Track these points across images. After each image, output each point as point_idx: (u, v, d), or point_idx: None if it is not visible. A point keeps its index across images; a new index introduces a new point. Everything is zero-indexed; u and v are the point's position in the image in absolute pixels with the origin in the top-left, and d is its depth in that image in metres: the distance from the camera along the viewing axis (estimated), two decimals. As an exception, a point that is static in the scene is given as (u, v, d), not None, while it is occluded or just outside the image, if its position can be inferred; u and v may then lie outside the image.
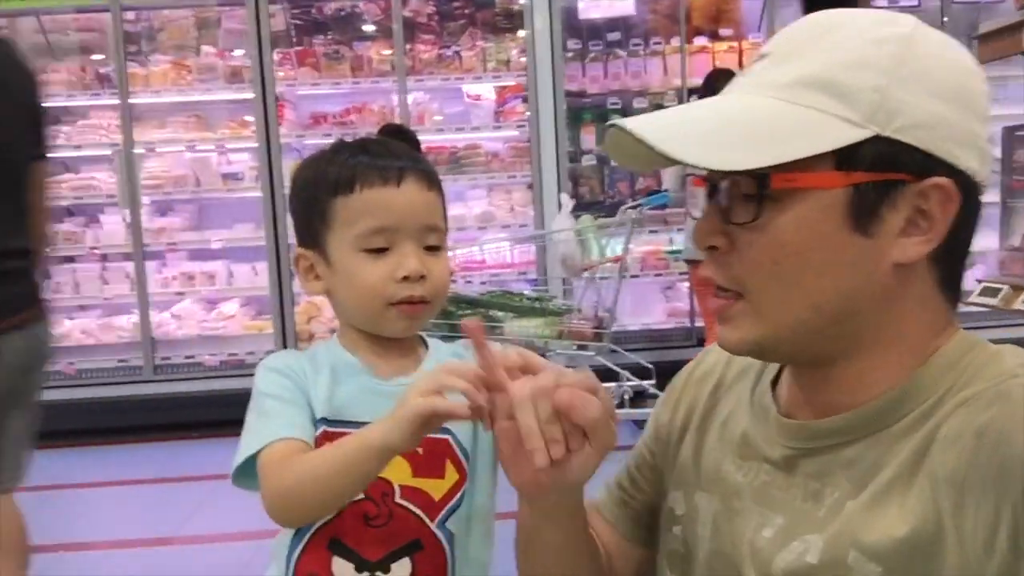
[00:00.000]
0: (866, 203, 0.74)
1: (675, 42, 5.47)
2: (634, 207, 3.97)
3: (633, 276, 5.37)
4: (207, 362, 5.29)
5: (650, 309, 5.62)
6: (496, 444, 0.85)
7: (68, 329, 5.37)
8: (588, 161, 5.50)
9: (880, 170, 0.74)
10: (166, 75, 5.36)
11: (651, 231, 5.37)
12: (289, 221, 1.25)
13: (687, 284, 5.24)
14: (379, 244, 1.05)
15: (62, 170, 5.47)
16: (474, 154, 5.43)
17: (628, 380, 4.16)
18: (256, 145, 5.26)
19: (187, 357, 5.32)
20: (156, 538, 3.69)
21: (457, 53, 5.43)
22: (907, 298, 0.78)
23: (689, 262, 4.53)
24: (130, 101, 5.25)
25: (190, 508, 3.90)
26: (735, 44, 5.50)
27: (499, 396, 0.82)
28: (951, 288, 0.80)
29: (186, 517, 3.82)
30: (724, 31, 5.58)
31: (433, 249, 1.08)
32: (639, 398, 4.28)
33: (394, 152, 1.09)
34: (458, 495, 1.05)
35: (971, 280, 2.76)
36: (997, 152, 2.76)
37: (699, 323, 5.22)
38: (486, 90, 5.54)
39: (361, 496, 1.01)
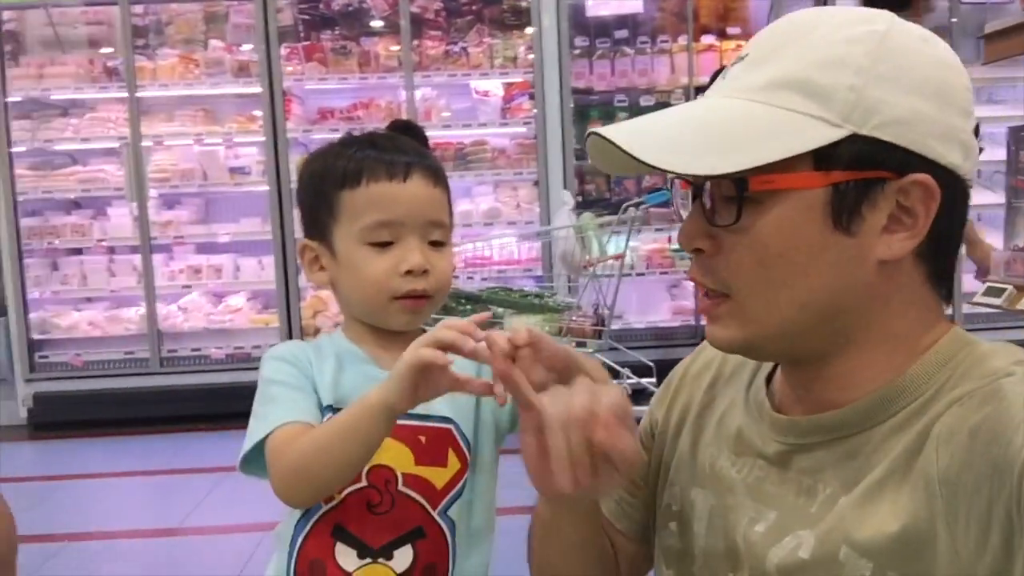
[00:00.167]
0: (847, 202, 0.74)
1: (682, 40, 5.46)
2: (635, 205, 3.96)
3: (639, 274, 5.38)
4: (213, 355, 5.32)
5: (656, 307, 5.62)
6: (522, 453, 0.84)
7: (75, 321, 5.40)
8: (594, 158, 5.49)
9: (859, 169, 0.74)
10: (174, 69, 5.37)
11: (657, 229, 5.37)
12: (296, 216, 1.26)
13: (692, 282, 5.23)
14: (384, 238, 1.06)
15: (70, 162, 5.50)
16: (481, 150, 5.44)
17: (629, 378, 4.16)
18: (263, 139, 5.27)
19: (193, 350, 5.35)
20: (162, 529, 3.71)
21: (464, 49, 5.43)
22: (895, 295, 0.78)
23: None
24: (138, 94, 5.27)
25: (196, 499, 3.92)
26: (743, 43, 5.47)
27: (527, 413, 0.80)
28: (940, 283, 0.80)
29: (192, 508, 3.84)
30: (732, 29, 5.58)
31: (437, 244, 1.09)
32: (638, 396, 4.28)
33: (402, 147, 1.10)
34: (460, 484, 1.06)
35: (972, 281, 2.76)
36: (1002, 153, 2.75)
37: (704, 321, 5.21)
38: (493, 86, 5.54)
39: (364, 483, 1.02)
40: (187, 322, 5.41)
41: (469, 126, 5.44)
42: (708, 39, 5.53)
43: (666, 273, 5.52)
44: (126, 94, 5.25)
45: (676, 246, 5.46)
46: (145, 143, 5.29)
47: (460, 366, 0.90)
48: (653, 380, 4.23)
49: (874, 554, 0.72)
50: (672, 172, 0.77)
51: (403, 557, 1.03)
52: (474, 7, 5.59)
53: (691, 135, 0.77)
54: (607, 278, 4.07)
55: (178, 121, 5.43)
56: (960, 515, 0.68)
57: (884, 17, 0.77)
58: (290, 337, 5.30)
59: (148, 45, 5.52)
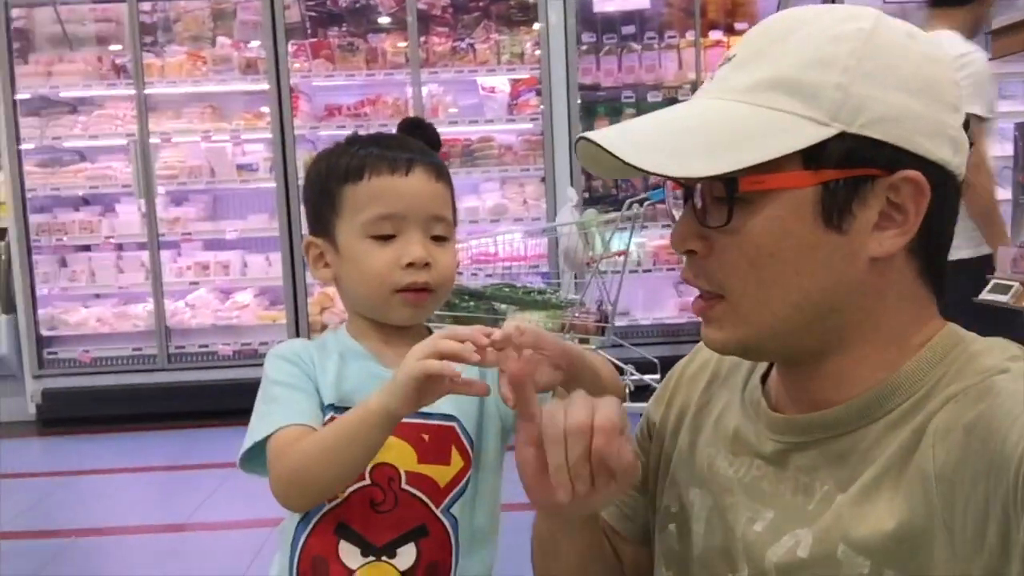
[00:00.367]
0: (837, 200, 0.74)
1: (690, 36, 5.45)
2: (639, 201, 3.95)
3: (645, 270, 5.37)
4: (221, 351, 5.33)
5: (662, 304, 5.61)
6: (518, 467, 0.86)
7: (84, 317, 5.42)
8: (601, 155, 5.49)
9: (849, 166, 0.74)
10: (182, 66, 5.38)
11: (664, 225, 5.35)
12: (303, 212, 1.27)
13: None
14: (386, 231, 1.06)
15: (78, 159, 5.52)
16: (487, 147, 5.43)
17: (632, 375, 4.15)
18: (271, 136, 5.28)
19: (201, 346, 5.36)
20: (169, 524, 3.73)
21: (471, 46, 5.43)
22: (888, 292, 0.78)
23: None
24: (146, 91, 5.28)
25: (203, 495, 3.93)
26: (750, 38, 5.46)
27: (526, 425, 0.82)
28: (933, 279, 0.80)
29: (199, 504, 3.85)
30: (739, 25, 5.56)
31: (440, 239, 1.09)
32: (642, 392, 4.28)
33: (405, 145, 1.11)
34: (463, 481, 1.06)
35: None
36: (1009, 148, 2.74)
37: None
38: (500, 83, 5.53)
39: (368, 481, 1.03)
40: (195, 318, 5.43)
41: (476, 122, 5.45)
42: (716, 35, 5.51)
43: (673, 269, 5.51)
44: (134, 91, 5.26)
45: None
46: (153, 140, 5.31)
47: (463, 368, 0.90)
48: (657, 377, 4.22)
49: (872, 552, 0.72)
50: (661, 175, 0.77)
51: (406, 555, 1.03)
52: (481, 3, 5.59)
53: (680, 137, 0.77)
54: (612, 275, 4.06)
55: (186, 118, 5.45)
56: (957, 512, 0.68)
57: (870, 14, 0.77)
58: (297, 333, 5.31)
59: (156, 42, 5.54)
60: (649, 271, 5.39)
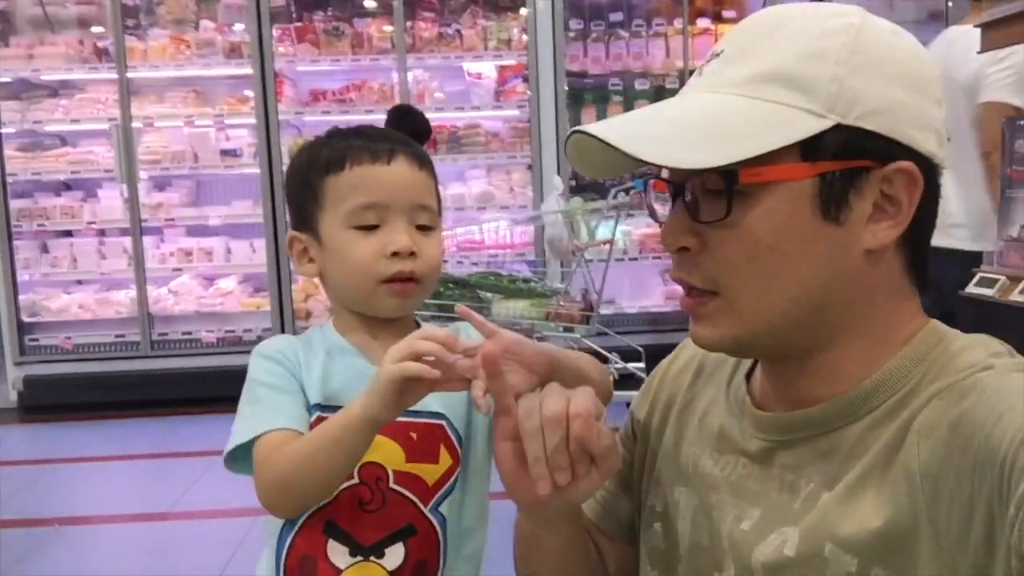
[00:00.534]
0: (834, 191, 0.75)
1: (678, 23, 5.44)
2: (625, 190, 3.94)
3: (632, 259, 5.37)
4: (204, 338, 5.30)
5: (649, 292, 5.62)
6: (497, 463, 0.86)
7: (65, 303, 5.38)
8: (588, 143, 5.48)
9: (845, 158, 0.75)
10: (165, 49, 5.32)
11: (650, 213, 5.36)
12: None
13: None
14: (370, 221, 1.05)
15: (60, 144, 5.46)
16: (474, 133, 5.41)
17: (616, 363, 4.15)
18: (255, 121, 5.24)
19: (184, 333, 5.33)
20: (153, 513, 3.71)
21: (458, 31, 5.39)
22: (879, 285, 0.78)
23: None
24: (128, 75, 5.22)
25: (186, 483, 3.92)
26: (738, 26, 5.46)
27: (503, 419, 0.84)
28: (917, 272, 0.81)
29: (182, 492, 3.84)
30: (727, 13, 5.55)
31: (425, 229, 1.08)
32: (627, 381, 4.28)
33: (387, 136, 1.10)
34: (452, 480, 1.05)
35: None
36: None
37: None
38: (487, 69, 5.51)
39: (355, 480, 1.02)
40: (178, 305, 5.39)
41: (462, 109, 5.42)
42: (703, 22, 5.50)
43: (659, 258, 5.51)
44: (116, 75, 5.20)
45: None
46: (135, 124, 5.25)
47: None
48: (641, 365, 4.22)
49: (859, 550, 0.72)
50: (661, 164, 0.76)
51: (394, 555, 1.02)
52: (468, -11, 5.56)
53: (680, 129, 0.77)
54: (597, 263, 4.05)
55: (169, 102, 5.39)
56: (942, 509, 0.68)
57: (856, 11, 0.78)
58: (282, 320, 5.29)
59: (139, 25, 5.48)
60: (635, 259, 5.39)
